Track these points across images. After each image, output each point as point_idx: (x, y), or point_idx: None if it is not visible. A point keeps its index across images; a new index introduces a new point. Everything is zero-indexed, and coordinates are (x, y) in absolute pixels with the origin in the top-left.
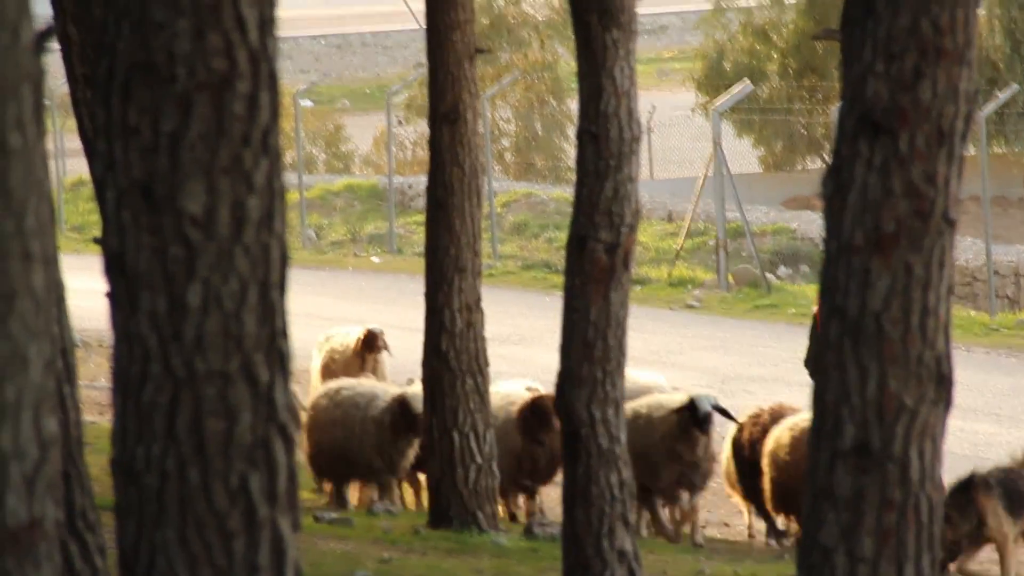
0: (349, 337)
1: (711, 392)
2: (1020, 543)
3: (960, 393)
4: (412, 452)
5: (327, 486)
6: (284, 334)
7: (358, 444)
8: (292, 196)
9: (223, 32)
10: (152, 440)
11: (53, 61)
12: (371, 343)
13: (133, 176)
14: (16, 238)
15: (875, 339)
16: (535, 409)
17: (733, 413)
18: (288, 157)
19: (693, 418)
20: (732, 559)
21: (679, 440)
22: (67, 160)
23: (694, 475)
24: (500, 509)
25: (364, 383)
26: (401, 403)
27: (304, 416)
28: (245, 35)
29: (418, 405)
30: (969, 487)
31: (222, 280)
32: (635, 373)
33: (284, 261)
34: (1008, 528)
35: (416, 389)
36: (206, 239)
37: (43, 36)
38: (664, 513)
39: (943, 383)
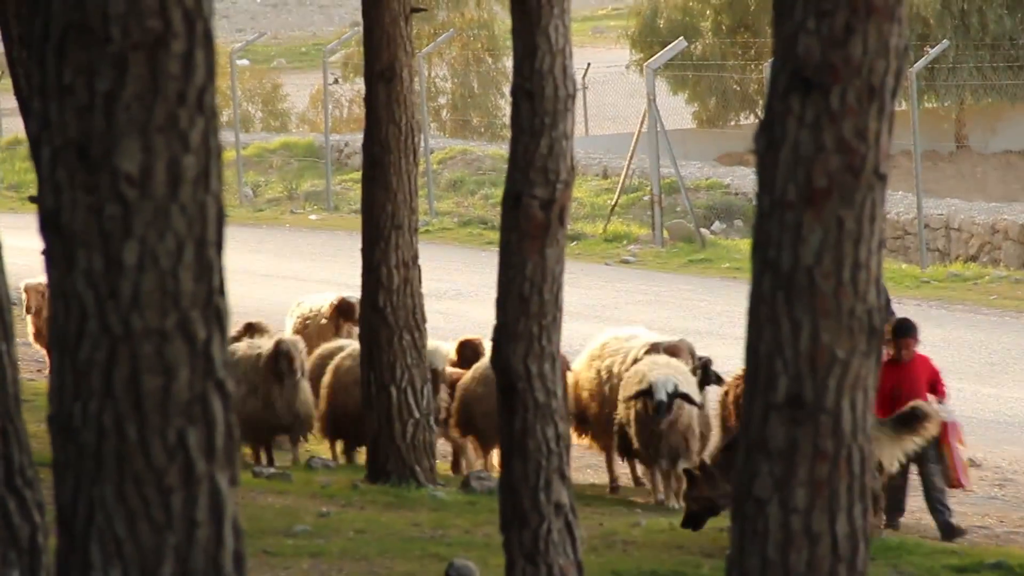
0: (321, 303)
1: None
2: None
3: None
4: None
5: (337, 446)
6: (221, 291)
7: None
8: (229, 154)
9: None
10: (89, 397)
11: None
12: (348, 313)
13: (68, 135)
14: None
15: (807, 293)
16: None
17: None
18: (224, 116)
19: (651, 404)
20: (668, 512)
21: (640, 419)
22: (3, 119)
23: (660, 446)
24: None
25: None
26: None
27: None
28: None
29: (440, 362)
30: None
31: (158, 238)
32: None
33: (221, 219)
34: None
35: (437, 346)
36: (142, 197)
37: None
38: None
39: (874, 335)
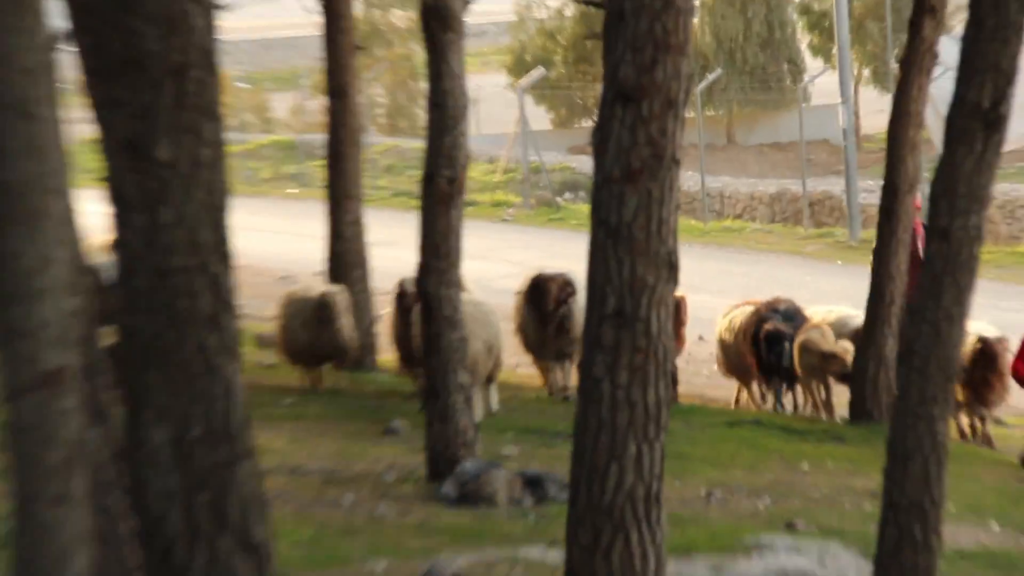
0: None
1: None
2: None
3: (685, 274)
4: None
5: None
6: (228, 241)
7: None
8: (233, 148)
9: (182, 31)
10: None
11: None
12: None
13: (122, 134)
14: None
15: (628, 240)
16: (536, 285)
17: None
18: (229, 122)
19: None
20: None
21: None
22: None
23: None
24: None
25: None
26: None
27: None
28: (192, 36)
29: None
30: None
31: (185, 203)
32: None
33: (225, 191)
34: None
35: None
36: (173, 176)
37: None
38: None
39: (673, 268)
